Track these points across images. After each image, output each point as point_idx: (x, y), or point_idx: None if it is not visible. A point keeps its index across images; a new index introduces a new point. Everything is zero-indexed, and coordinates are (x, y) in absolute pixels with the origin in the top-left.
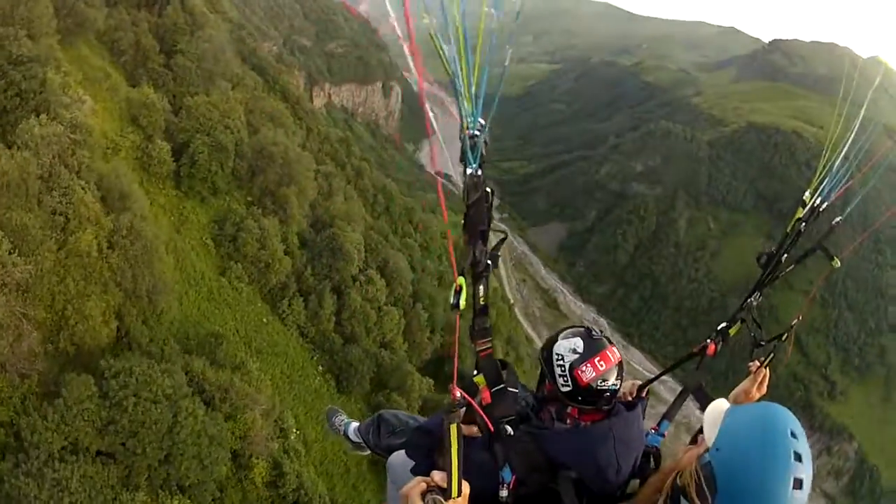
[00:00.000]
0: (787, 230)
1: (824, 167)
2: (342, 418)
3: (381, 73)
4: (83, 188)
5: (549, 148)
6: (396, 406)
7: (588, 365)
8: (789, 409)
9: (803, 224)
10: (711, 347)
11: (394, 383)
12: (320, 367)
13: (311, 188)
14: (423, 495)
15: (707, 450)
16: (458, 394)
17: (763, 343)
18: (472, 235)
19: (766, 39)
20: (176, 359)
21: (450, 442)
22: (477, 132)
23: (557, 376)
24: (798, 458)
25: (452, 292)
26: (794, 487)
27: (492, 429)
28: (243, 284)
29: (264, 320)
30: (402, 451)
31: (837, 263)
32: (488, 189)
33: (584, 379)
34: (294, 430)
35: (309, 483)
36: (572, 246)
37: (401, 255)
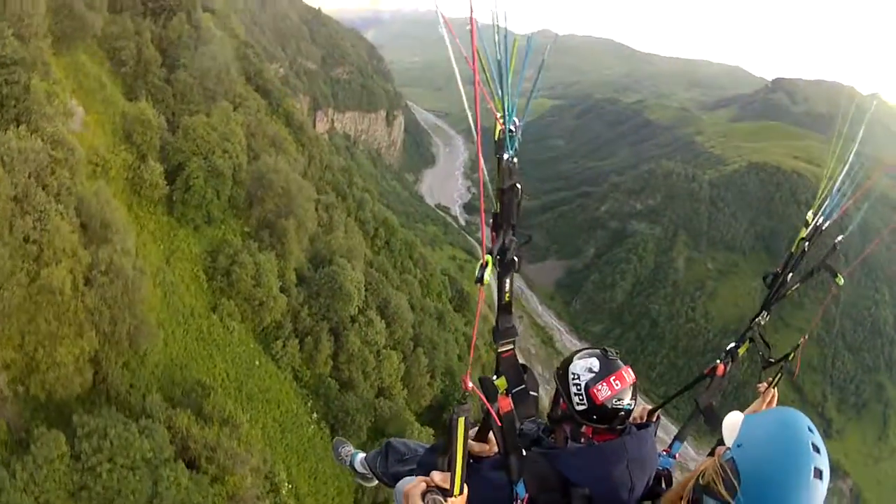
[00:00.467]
0: (792, 249)
1: (825, 189)
2: (349, 449)
3: (384, 102)
4: (61, 214)
5: (550, 184)
6: None
7: (604, 384)
8: None
9: (807, 243)
10: (721, 368)
11: (391, 432)
12: (315, 415)
13: (310, 221)
14: (423, 495)
15: (727, 449)
16: (469, 384)
17: (772, 361)
18: (505, 221)
19: (770, 78)
20: (158, 412)
21: (456, 437)
22: (512, 127)
23: (573, 395)
24: (817, 449)
25: (478, 267)
26: (814, 476)
27: (498, 421)
28: (235, 323)
29: (257, 363)
30: (410, 478)
31: (842, 280)
32: (518, 185)
33: (599, 397)
34: (286, 484)
35: None
36: (570, 284)
37: (401, 294)
